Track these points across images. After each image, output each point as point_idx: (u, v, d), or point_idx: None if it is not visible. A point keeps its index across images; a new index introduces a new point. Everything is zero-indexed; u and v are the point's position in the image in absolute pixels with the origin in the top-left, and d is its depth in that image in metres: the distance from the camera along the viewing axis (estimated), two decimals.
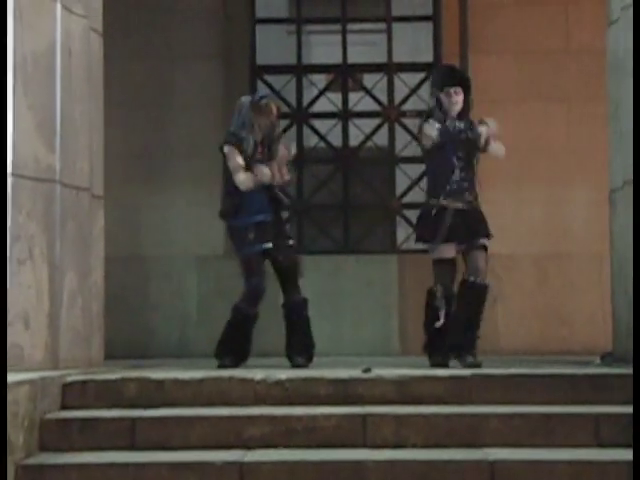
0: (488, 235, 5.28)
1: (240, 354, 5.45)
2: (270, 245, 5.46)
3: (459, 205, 5.23)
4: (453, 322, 5.18)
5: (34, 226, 4.52)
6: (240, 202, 5.49)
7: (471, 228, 5.24)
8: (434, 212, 5.25)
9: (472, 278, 5.18)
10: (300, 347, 5.44)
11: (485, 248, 5.24)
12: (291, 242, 5.62)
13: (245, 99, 5.65)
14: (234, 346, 5.45)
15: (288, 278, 5.50)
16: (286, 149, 5.56)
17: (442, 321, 5.19)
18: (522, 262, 7.34)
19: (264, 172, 5.44)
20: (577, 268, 7.73)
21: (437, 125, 5.27)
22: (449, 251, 5.24)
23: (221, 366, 5.36)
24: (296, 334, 5.47)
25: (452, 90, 5.29)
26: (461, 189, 5.24)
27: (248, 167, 5.47)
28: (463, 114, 5.33)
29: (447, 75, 5.45)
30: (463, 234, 5.23)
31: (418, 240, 5.42)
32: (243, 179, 5.47)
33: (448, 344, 5.15)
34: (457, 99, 5.29)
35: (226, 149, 5.54)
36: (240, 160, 5.48)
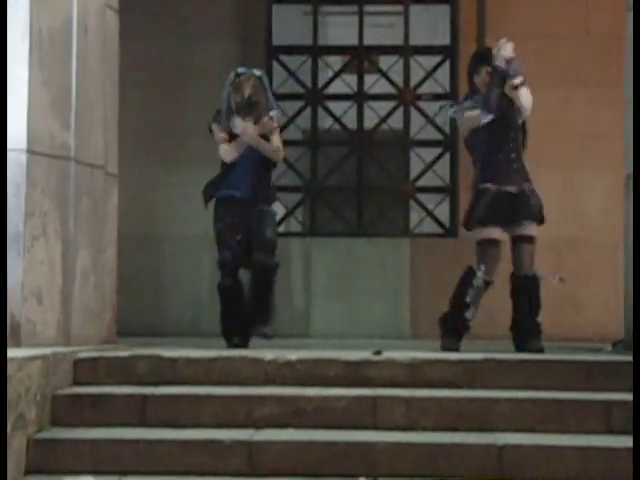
0: (536, 219, 5.21)
1: (243, 329, 5.42)
2: (235, 220, 5.38)
3: (508, 188, 5.18)
4: (515, 314, 5.19)
5: (48, 202, 4.53)
6: (221, 177, 5.50)
7: (517, 211, 5.19)
8: (482, 195, 5.20)
9: (519, 272, 5.19)
10: (265, 315, 5.37)
11: (530, 239, 5.21)
12: (268, 235, 5.41)
13: (230, 75, 5.63)
14: (233, 323, 5.43)
15: (259, 239, 5.39)
16: (270, 118, 5.49)
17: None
18: (537, 246, 7.30)
19: (240, 126, 5.39)
20: (592, 254, 7.69)
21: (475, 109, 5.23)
22: (493, 232, 5.18)
23: (230, 346, 5.37)
24: (261, 297, 5.38)
25: (483, 69, 5.29)
26: (510, 171, 5.19)
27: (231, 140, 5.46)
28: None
29: (482, 56, 5.42)
30: (508, 217, 5.17)
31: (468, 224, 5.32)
32: (224, 149, 5.47)
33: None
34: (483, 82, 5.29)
35: (213, 127, 5.53)
36: (223, 134, 5.48)
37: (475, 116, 5.27)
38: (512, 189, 5.22)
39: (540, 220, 5.29)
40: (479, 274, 5.19)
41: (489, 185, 5.23)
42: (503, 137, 5.26)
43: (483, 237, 5.22)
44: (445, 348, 5.14)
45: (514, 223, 5.22)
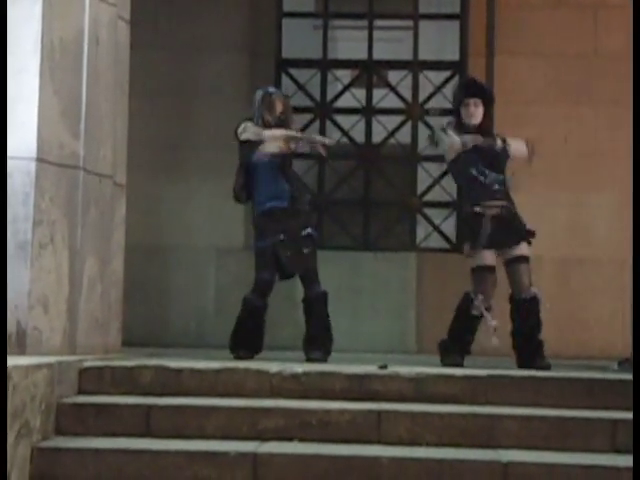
0: (527, 238, 5.21)
1: (253, 346, 5.46)
2: (281, 237, 5.41)
3: (494, 211, 5.19)
4: (518, 336, 5.17)
5: (56, 211, 4.54)
6: (251, 184, 5.53)
7: (509, 233, 5.19)
8: (472, 219, 5.22)
9: (519, 295, 5.17)
10: (316, 341, 5.43)
11: (525, 259, 5.19)
12: (307, 232, 5.46)
13: (258, 93, 5.70)
14: (247, 338, 5.46)
15: (305, 273, 5.49)
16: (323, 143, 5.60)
17: (493, 323, 5.13)
18: (544, 265, 7.29)
19: (267, 132, 5.46)
20: (598, 272, 7.68)
21: (456, 136, 5.27)
22: (489, 258, 5.17)
23: (236, 358, 5.37)
24: (312, 327, 5.47)
25: (471, 101, 5.27)
26: (493, 194, 5.20)
27: None
28: (484, 127, 5.31)
29: (467, 87, 5.45)
30: (501, 240, 5.17)
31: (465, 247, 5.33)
32: (272, 133, 5.49)
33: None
34: (475, 111, 5.27)
35: (247, 125, 5.59)
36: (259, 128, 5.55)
37: (457, 144, 5.27)
38: (498, 212, 5.20)
39: (529, 240, 5.27)
40: (476, 303, 5.17)
41: (478, 209, 5.22)
42: (484, 162, 5.24)
43: (479, 264, 5.19)
44: (448, 364, 5.12)
45: (506, 245, 5.20)
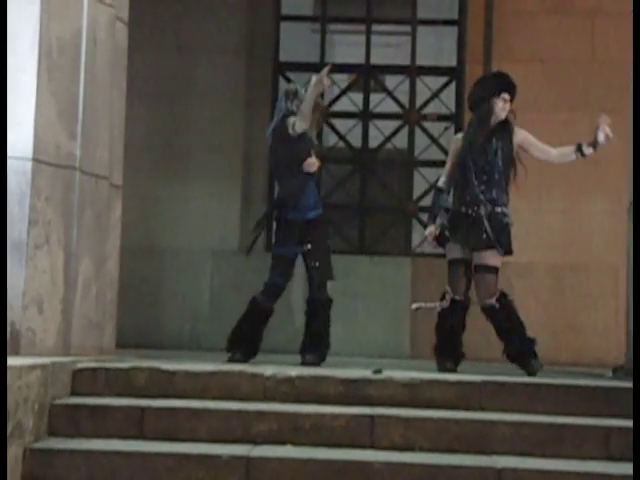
0: (495, 247, 5.17)
1: (250, 348, 5.46)
2: (299, 249, 5.42)
3: (472, 212, 5.20)
4: (504, 337, 5.17)
5: (52, 212, 4.53)
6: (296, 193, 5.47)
7: (477, 236, 5.18)
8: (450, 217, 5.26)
9: (485, 302, 5.18)
10: (314, 345, 5.43)
11: (487, 269, 5.17)
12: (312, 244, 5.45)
13: (285, 89, 5.67)
14: (246, 338, 5.45)
15: (312, 277, 5.48)
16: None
17: (428, 305, 5.16)
18: (538, 271, 7.31)
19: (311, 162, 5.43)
20: (593, 279, 7.69)
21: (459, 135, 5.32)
22: (455, 251, 5.20)
23: (231, 360, 5.36)
24: (312, 331, 5.46)
25: (506, 96, 5.30)
26: (477, 198, 5.21)
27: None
28: (506, 124, 5.32)
29: (503, 79, 5.40)
30: (469, 238, 5.18)
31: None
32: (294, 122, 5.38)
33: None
34: (505, 106, 5.30)
35: (290, 120, 5.43)
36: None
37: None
38: (473, 213, 5.20)
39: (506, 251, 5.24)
40: (447, 296, 5.19)
41: (463, 209, 5.23)
42: (475, 166, 5.25)
43: (448, 257, 5.25)
44: (443, 370, 5.12)
45: (475, 250, 5.21)
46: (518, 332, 5.16)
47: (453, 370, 5.11)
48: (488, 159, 5.24)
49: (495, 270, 5.19)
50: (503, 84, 5.33)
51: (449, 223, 5.29)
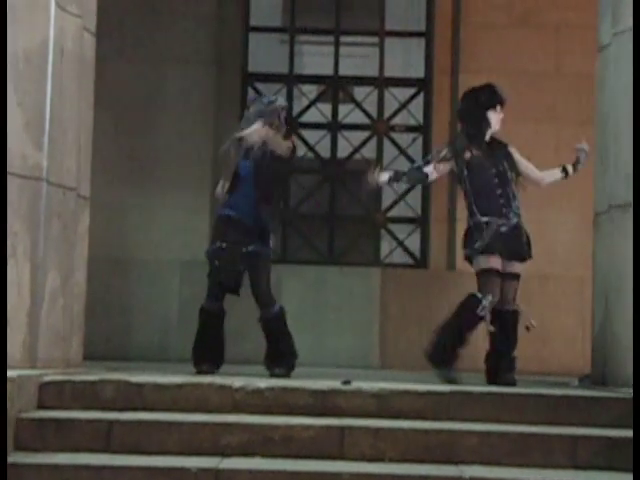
0: (525, 258, 5.30)
1: (215, 357, 5.42)
2: (223, 245, 5.38)
3: (500, 222, 5.24)
4: (491, 345, 5.22)
5: (19, 224, 4.49)
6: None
7: (510, 247, 5.24)
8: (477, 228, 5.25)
9: (501, 306, 5.21)
10: (277, 357, 5.41)
11: (518, 277, 5.28)
12: (250, 249, 5.36)
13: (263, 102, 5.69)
14: (207, 348, 5.42)
15: (254, 291, 5.44)
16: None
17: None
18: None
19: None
20: (560, 290, 7.78)
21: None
22: (494, 261, 5.19)
23: (199, 372, 5.34)
24: (273, 344, 5.45)
25: (500, 108, 5.38)
26: (506, 208, 5.26)
27: None
28: (497, 137, 5.40)
29: (497, 93, 5.43)
30: (504, 249, 5.22)
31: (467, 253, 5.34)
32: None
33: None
34: (499, 119, 5.38)
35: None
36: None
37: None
38: (501, 223, 5.25)
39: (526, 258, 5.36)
40: (485, 302, 5.13)
41: (479, 218, 5.25)
42: (487, 175, 5.30)
43: (483, 267, 5.20)
44: (448, 380, 5.00)
45: (507, 257, 5.26)
46: (512, 345, 5.23)
47: (458, 380, 5.02)
48: (500, 170, 5.30)
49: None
50: (498, 97, 5.40)
51: (477, 231, 5.21)
